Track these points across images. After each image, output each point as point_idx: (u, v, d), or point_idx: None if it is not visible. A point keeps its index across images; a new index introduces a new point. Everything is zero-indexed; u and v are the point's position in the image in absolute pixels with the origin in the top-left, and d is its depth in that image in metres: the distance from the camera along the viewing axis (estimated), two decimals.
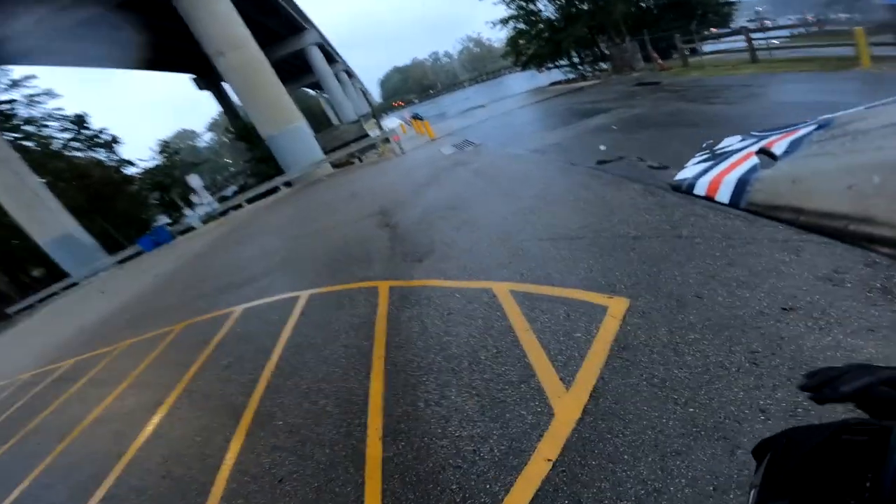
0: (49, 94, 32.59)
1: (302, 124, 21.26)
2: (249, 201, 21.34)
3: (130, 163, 36.05)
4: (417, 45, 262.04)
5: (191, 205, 20.94)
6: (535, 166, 8.94)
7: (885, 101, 2.97)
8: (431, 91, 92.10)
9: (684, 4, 24.86)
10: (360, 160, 20.61)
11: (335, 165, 22.73)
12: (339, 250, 8.42)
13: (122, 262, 22.23)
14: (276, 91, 20.77)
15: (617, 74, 20.74)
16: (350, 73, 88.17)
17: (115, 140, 35.17)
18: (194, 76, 52.17)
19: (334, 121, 58.90)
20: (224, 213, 21.40)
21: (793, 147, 3.04)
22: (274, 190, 21.18)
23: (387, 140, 19.87)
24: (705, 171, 3.85)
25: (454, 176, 10.64)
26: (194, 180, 19.92)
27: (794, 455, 0.56)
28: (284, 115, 20.68)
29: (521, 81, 53.09)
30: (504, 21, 26.09)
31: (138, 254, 22.02)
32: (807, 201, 2.54)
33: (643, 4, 24.87)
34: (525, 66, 29.46)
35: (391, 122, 45.64)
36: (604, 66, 26.04)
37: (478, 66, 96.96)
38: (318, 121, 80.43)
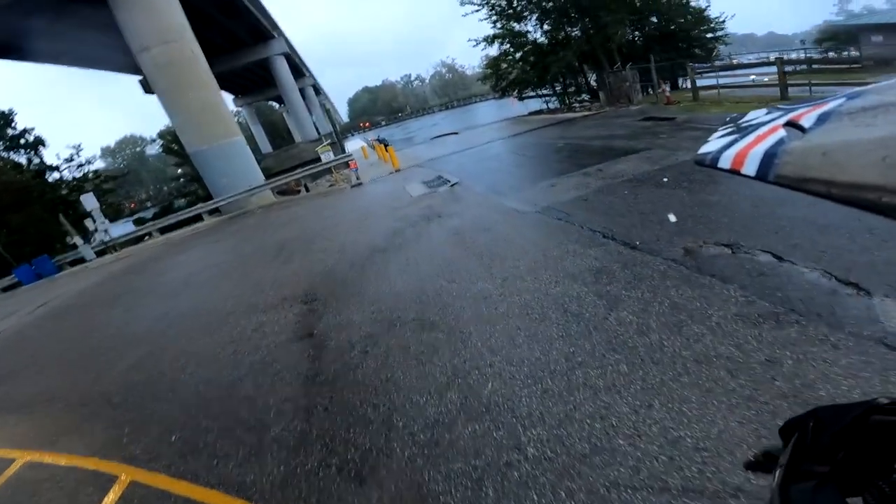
0: None
1: (238, 140, 17.16)
2: (164, 230, 16.88)
3: (53, 168, 30.45)
4: (390, 67, 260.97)
5: (85, 231, 16.14)
6: (560, 244, 5.31)
7: None
8: (400, 114, 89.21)
9: (670, 37, 22.72)
10: (307, 189, 16.64)
11: (281, 192, 18.65)
12: (211, 386, 4.44)
13: None
14: (209, 96, 16.64)
15: (611, 106, 17.89)
16: (318, 90, 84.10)
17: (40, 142, 29.68)
18: (141, 77, 46.75)
19: (298, 138, 54.35)
20: (129, 242, 16.84)
21: (822, 119, 2.78)
22: (197, 218, 16.83)
23: (345, 164, 16.13)
24: (730, 145, 3.43)
25: (426, 239, 6.92)
26: (88, 201, 15.29)
27: (822, 435, 0.53)
28: (218, 127, 16.55)
29: (493, 110, 50.78)
30: (488, 40, 23.06)
31: (14, 286, 16.99)
32: (838, 173, 2.38)
33: (630, 36, 22.47)
34: (504, 93, 26.55)
35: (354, 143, 41.99)
36: (585, 97, 23.48)
37: (449, 91, 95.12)
38: (280, 137, 75.72)
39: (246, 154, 17.32)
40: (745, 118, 4.38)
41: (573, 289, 4.10)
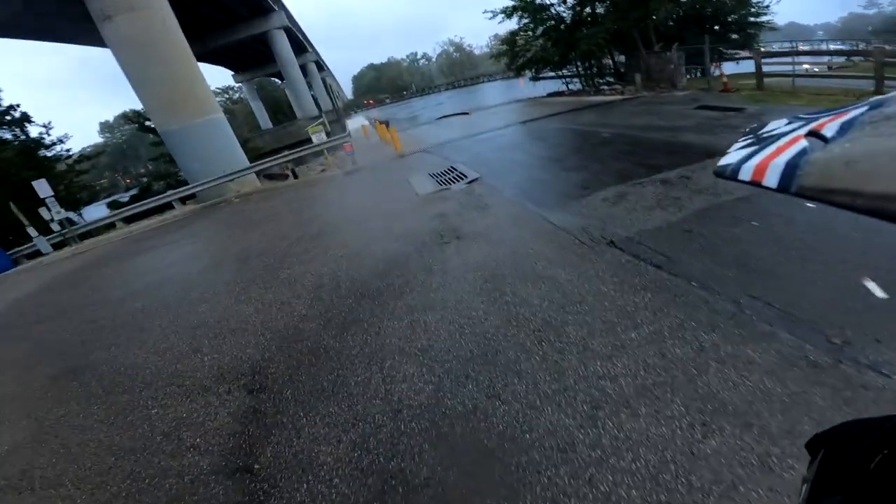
0: None
1: (216, 118, 14.56)
2: (132, 218, 14.47)
3: (41, 144, 27.77)
4: (396, 45, 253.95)
5: (39, 220, 13.73)
6: (685, 332, 2.92)
7: None
8: (405, 92, 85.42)
9: (703, 19, 19.88)
10: (295, 175, 14.13)
11: (268, 176, 16.15)
12: None
13: None
14: (182, 71, 13.99)
15: (649, 91, 15.23)
16: (321, 66, 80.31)
17: (26, 118, 26.94)
18: None
19: (299, 115, 51.27)
20: (91, 233, 14.47)
21: (844, 129, 1.21)
22: (168, 206, 14.38)
23: (341, 146, 13.62)
24: (751, 156, 1.34)
25: (440, 281, 4.50)
26: (41, 187, 12.85)
27: (850, 450, 0.52)
28: (191, 105, 13.95)
29: (501, 90, 47.58)
30: (507, 12, 20.15)
31: None
32: (864, 184, 0.98)
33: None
34: (520, 72, 23.70)
35: (357, 121, 39.12)
36: (610, 79, 20.67)
37: (455, 71, 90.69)
38: (283, 113, 72.25)
39: (225, 134, 14.75)
40: (766, 129, 1.78)
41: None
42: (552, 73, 23.49)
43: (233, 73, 64.31)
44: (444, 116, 24.50)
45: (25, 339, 6.03)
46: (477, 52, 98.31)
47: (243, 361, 3.89)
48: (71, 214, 13.84)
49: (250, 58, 57.73)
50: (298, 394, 3.25)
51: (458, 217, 6.20)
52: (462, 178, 8.32)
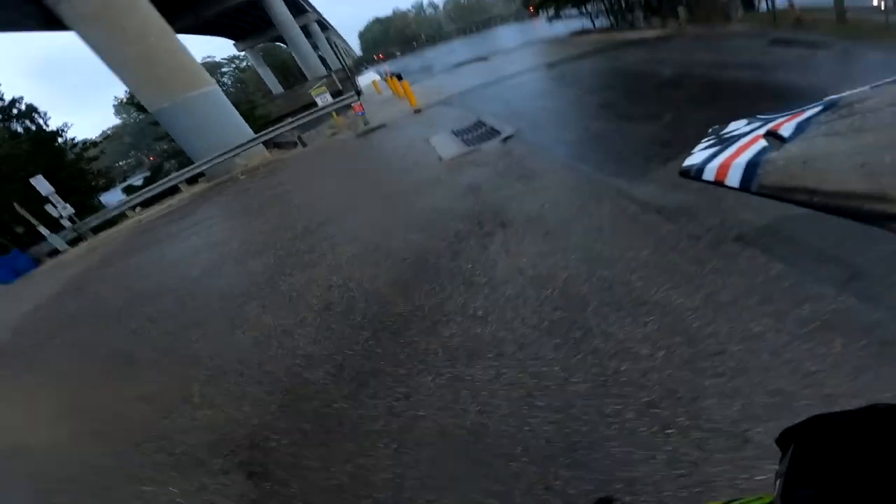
0: None
1: (210, 91, 13.02)
2: (145, 205, 13.45)
3: (57, 133, 26.78)
4: None
5: (44, 217, 12.83)
6: None
7: (891, 80, 2.44)
8: (415, 43, 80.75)
9: None
10: (303, 143, 12.60)
11: (278, 145, 14.69)
12: None
13: None
14: (161, 44, 12.36)
15: (695, 25, 12.76)
16: (324, 25, 76.25)
17: (33, 110, 25.91)
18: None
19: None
20: (107, 224, 13.53)
21: (800, 129, 2.64)
22: (175, 189, 13.23)
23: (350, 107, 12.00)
24: (713, 157, 3.04)
25: (490, 299, 3.11)
26: (41, 184, 11.85)
27: (821, 443, 0.52)
28: (181, 79, 12.44)
29: (516, 33, 43.67)
30: None
31: None
32: (820, 182, 2.19)
33: None
34: (538, 9, 21.02)
35: (368, 77, 36.71)
36: (640, 13, 17.87)
37: (465, 16, 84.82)
38: (293, 76, 69.35)
39: (222, 106, 13.25)
40: (727, 129, 3.70)
41: None
42: (574, 11, 20.84)
43: (234, 42, 61.50)
44: (460, 64, 22.17)
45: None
46: None
47: (240, 424, 2.70)
48: (72, 211, 12.74)
49: (249, 24, 54.77)
50: (307, 490, 2.03)
51: (496, 191, 4.71)
52: (494, 135, 6.72)
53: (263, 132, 12.87)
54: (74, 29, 12.32)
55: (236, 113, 13.85)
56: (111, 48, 12.17)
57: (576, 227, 3.53)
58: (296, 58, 50.02)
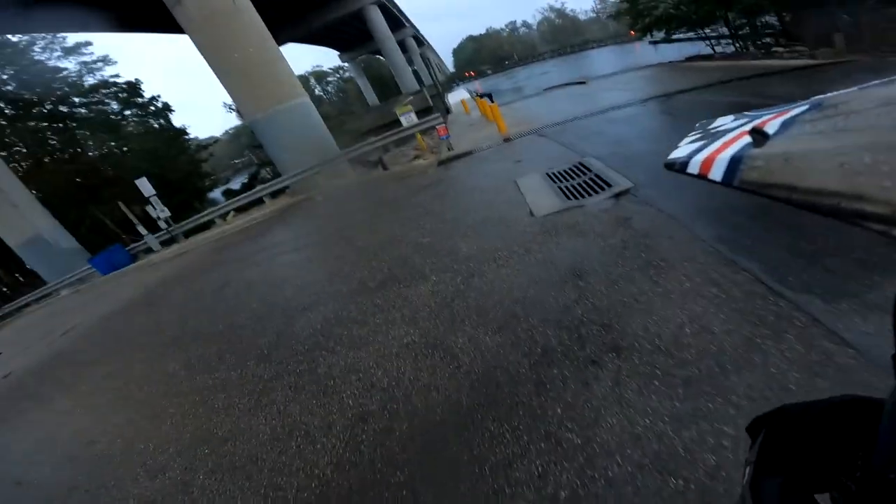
0: (105, 61, 26.46)
1: (299, 103, 12.84)
2: (237, 212, 13.63)
3: (182, 131, 29.31)
4: (494, 15, 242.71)
5: (147, 220, 13.42)
6: None
7: (879, 82, 2.45)
8: (507, 62, 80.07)
9: None
10: (384, 165, 11.91)
11: (364, 163, 14.25)
12: None
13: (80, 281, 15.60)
14: (260, 54, 12.39)
15: (858, 55, 10.29)
16: (420, 40, 78.24)
17: (168, 108, 28.67)
18: None
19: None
20: (198, 230, 13.88)
21: (785, 126, 2.73)
22: (260, 201, 13.24)
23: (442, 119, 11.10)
24: (698, 150, 3.34)
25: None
26: (144, 186, 12.35)
27: (790, 431, 0.53)
28: (273, 91, 12.38)
29: (614, 56, 41.14)
30: None
31: (89, 276, 15.19)
32: (799, 179, 2.29)
33: None
34: (646, 32, 19.00)
35: (458, 94, 36.37)
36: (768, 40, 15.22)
37: (559, 37, 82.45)
38: (389, 89, 71.74)
39: (310, 119, 12.99)
40: (714, 124, 4.08)
41: None
42: (681, 35, 18.64)
43: (338, 52, 64.88)
44: (554, 87, 20.72)
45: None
46: (581, 16, 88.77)
47: None
48: (168, 213, 13.18)
49: (352, 36, 57.49)
50: None
51: (609, 285, 3.35)
52: (603, 188, 5.32)
53: (346, 150, 12.41)
54: (187, 32, 12.75)
55: (323, 126, 13.57)
56: (215, 54, 12.40)
57: (738, 378, 2.11)
58: (392, 71, 51.47)
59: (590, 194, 5.28)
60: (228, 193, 19.47)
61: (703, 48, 18.12)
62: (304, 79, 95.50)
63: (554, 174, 6.37)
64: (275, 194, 13.17)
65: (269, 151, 13.82)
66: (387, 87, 70.55)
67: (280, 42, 43.89)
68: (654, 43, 19.98)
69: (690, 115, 7.65)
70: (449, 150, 10.59)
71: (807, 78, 8.73)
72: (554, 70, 42.13)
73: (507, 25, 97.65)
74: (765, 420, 0.56)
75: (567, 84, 19.89)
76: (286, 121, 12.33)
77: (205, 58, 12.47)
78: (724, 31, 17.58)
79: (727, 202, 3.96)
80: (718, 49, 17.37)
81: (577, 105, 11.74)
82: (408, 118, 11.45)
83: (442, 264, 4.74)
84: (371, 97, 64.05)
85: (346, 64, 74.52)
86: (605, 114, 9.58)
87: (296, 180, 12.21)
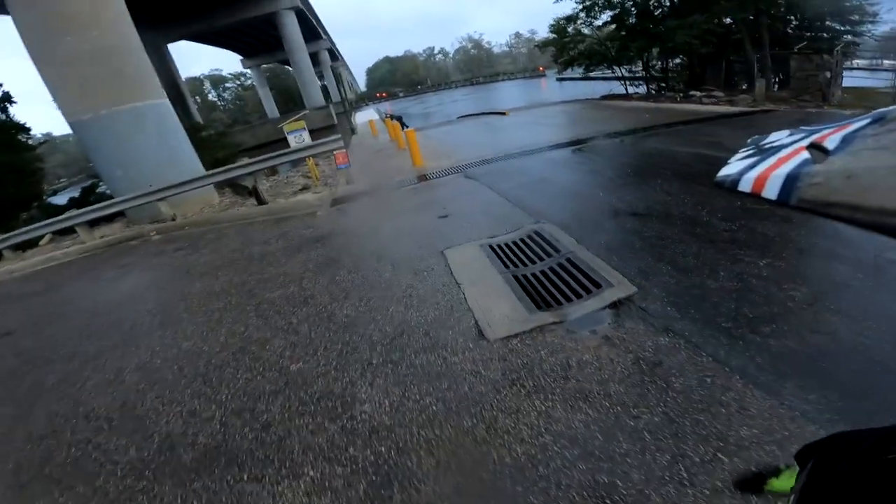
0: None
1: (152, 105, 9.30)
2: (24, 244, 9.43)
3: (23, 128, 22.24)
4: (414, 39, 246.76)
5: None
6: None
7: None
8: (420, 86, 79.64)
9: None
10: (258, 197, 8.73)
11: (236, 188, 10.88)
12: None
13: None
14: (105, 38, 8.78)
15: (778, 105, 10.01)
16: (335, 55, 74.67)
17: (7, 98, 21.61)
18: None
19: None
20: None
21: (846, 142, 2.63)
22: (68, 231, 9.30)
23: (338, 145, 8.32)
24: (751, 167, 3.18)
25: None
26: None
27: (839, 461, 0.50)
28: (115, 86, 8.77)
29: (521, 91, 42.00)
30: None
31: None
32: (864, 198, 2.14)
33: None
34: (569, 66, 18.52)
35: (365, 114, 33.87)
36: (683, 87, 15.42)
37: (472, 68, 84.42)
38: (294, 102, 66.27)
39: (165, 127, 9.50)
40: (767, 140, 3.76)
41: None
42: (595, 74, 18.63)
43: (241, 57, 58.72)
44: (470, 115, 19.22)
45: None
46: (496, 50, 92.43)
47: None
48: None
49: (260, 42, 52.28)
50: None
51: None
52: (585, 286, 3.24)
53: (214, 171, 9.17)
54: (10, 12, 8.76)
55: (183, 137, 10.11)
56: (41, 38, 8.56)
57: None
58: (299, 83, 47.13)
59: (567, 297, 3.16)
60: (46, 209, 14.51)
61: (611, 87, 18.05)
62: (197, 81, 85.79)
63: (500, 247, 4.22)
64: (97, 222, 9.33)
65: (96, 165, 9.94)
66: (291, 101, 65.38)
67: (173, 38, 37.85)
68: (561, 80, 19.63)
69: (649, 162, 6.07)
70: (347, 183, 8.07)
71: (746, 125, 7.80)
72: (465, 99, 41.65)
73: (424, 51, 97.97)
74: (815, 448, 0.55)
75: (484, 113, 18.50)
76: (126, 127, 8.76)
77: (24, 42, 8.49)
78: (634, 71, 17.68)
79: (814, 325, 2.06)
80: (631, 89, 17.29)
81: (503, 140, 10.00)
82: (298, 137, 8.69)
83: (326, 438, 2.24)
84: (272, 109, 58.72)
85: (248, 71, 68.09)
86: (542, 154, 7.83)
87: (131, 207, 8.69)
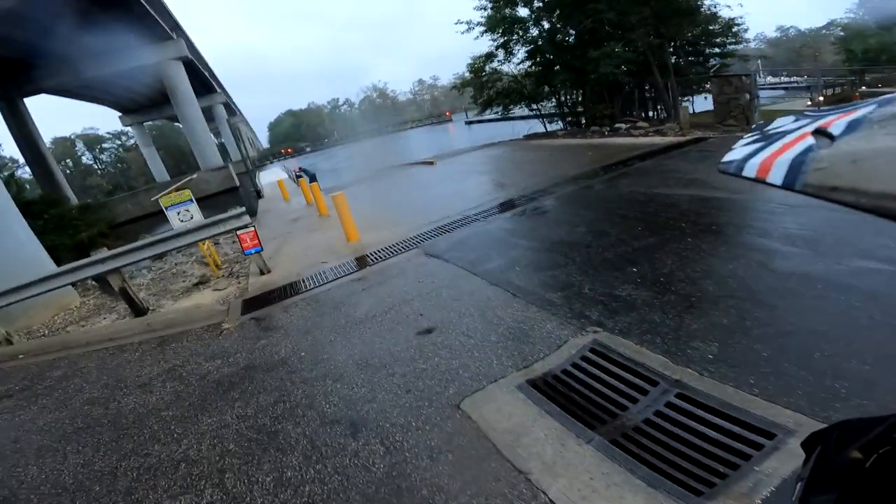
0: None
1: None
2: None
3: None
4: (317, 91, 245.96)
5: None
6: None
7: None
8: (326, 140, 77.91)
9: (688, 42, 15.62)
10: (137, 307, 6.12)
11: (105, 287, 7.98)
12: None
13: None
14: None
15: (703, 130, 10.00)
16: (232, 109, 70.46)
17: None
18: None
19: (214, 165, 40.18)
20: None
21: (852, 127, 1.38)
22: None
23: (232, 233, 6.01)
24: (756, 153, 1.57)
25: None
26: None
27: (845, 448, 0.50)
28: None
29: (432, 138, 42.08)
30: (490, 26, 14.81)
31: None
32: (869, 182, 1.19)
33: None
34: (488, 106, 18.13)
35: (272, 174, 31.15)
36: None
37: (380, 117, 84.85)
38: (186, 163, 60.16)
39: None
40: (772, 126, 1.89)
41: None
42: (498, 115, 18.74)
43: (119, 114, 52.45)
44: (393, 167, 17.82)
45: None
46: (401, 97, 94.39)
47: None
48: None
49: (142, 96, 47.15)
50: None
51: None
52: (742, 436, 1.67)
53: (70, 266, 6.40)
54: None
55: (16, 217, 7.23)
56: None
57: None
58: (190, 141, 42.54)
59: (720, 471, 1.57)
60: None
61: (516, 128, 18.08)
62: (68, 142, 75.59)
63: (549, 384, 2.61)
64: None
65: None
66: (183, 161, 59.51)
67: (29, 91, 32.06)
68: (470, 123, 19.36)
69: (650, 212, 4.89)
70: (262, 273, 5.94)
71: (701, 156, 7.22)
72: (376, 151, 40.59)
73: (329, 102, 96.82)
74: (822, 435, 0.53)
75: (408, 164, 17.20)
76: None
77: None
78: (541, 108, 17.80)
79: None
80: (550, 127, 17.28)
81: (446, 197, 8.57)
82: (182, 213, 6.39)
83: None
84: (160, 171, 52.87)
85: (128, 128, 61.20)
86: (505, 213, 6.42)
87: None
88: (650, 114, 15.69)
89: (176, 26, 36.57)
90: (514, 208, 6.59)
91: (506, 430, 2.39)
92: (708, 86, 13.49)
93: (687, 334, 2.75)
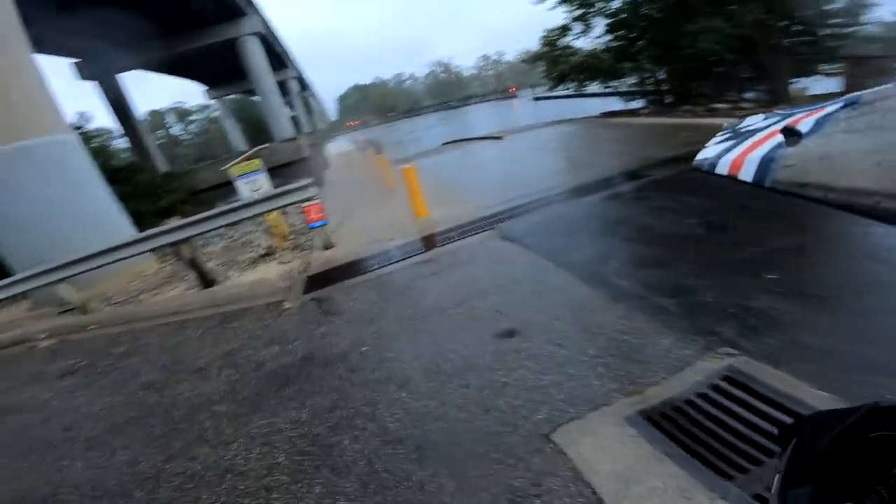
0: None
1: (45, 143, 6.80)
2: None
3: None
4: (383, 66, 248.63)
5: None
6: None
7: None
8: (390, 114, 78.29)
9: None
10: (205, 278, 6.20)
11: (178, 253, 8.29)
12: None
13: None
14: None
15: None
16: (304, 84, 72.55)
17: None
18: (77, 59, 34.67)
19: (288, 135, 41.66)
20: None
21: (819, 125, 2.59)
22: None
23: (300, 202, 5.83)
24: (728, 151, 3.07)
25: None
26: None
27: (820, 440, 0.50)
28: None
29: (495, 113, 40.56)
30: None
31: None
32: (835, 178, 2.14)
33: None
34: (561, 81, 16.81)
35: (337, 146, 31.57)
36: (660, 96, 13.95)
37: (444, 92, 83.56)
38: (263, 134, 63.00)
39: (70, 172, 6.90)
40: (743, 123, 3.69)
41: None
42: (570, 91, 17.17)
43: (206, 88, 55.73)
44: (456, 142, 17.22)
45: None
46: (466, 73, 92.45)
47: None
48: None
49: (225, 71, 49.55)
50: None
51: None
52: None
53: (147, 233, 6.59)
54: None
55: (99, 185, 7.56)
56: None
57: None
58: (266, 113, 44.32)
59: None
60: None
61: (587, 106, 16.60)
62: (159, 115, 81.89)
63: (668, 416, 2.02)
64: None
65: None
66: (261, 132, 62.32)
67: (127, 66, 34.93)
68: (538, 99, 18.04)
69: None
70: (325, 248, 5.71)
71: None
72: (439, 125, 39.92)
73: (394, 76, 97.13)
74: (795, 429, 0.53)
75: (474, 139, 16.49)
76: (14, 172, 6.22)
77: None
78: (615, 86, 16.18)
79: None
80: (631, 104, 15.69)
81: (517, 174, 7.88)
82: (251, 183, 6.31)
83: None
84: (239, 142, 55.81)
85: (212, 102, 65.07)
86: (596, 195, 5.65)
87: (32, 288, 6.08)
88: (748, 95, 13.73)
89: (250, 3, 37.58)
90: (600, 191, 5.80)
91: (611, 474, 1.88)
92: (824, 67, 11.54)
93: (863, 365, 2.03)
